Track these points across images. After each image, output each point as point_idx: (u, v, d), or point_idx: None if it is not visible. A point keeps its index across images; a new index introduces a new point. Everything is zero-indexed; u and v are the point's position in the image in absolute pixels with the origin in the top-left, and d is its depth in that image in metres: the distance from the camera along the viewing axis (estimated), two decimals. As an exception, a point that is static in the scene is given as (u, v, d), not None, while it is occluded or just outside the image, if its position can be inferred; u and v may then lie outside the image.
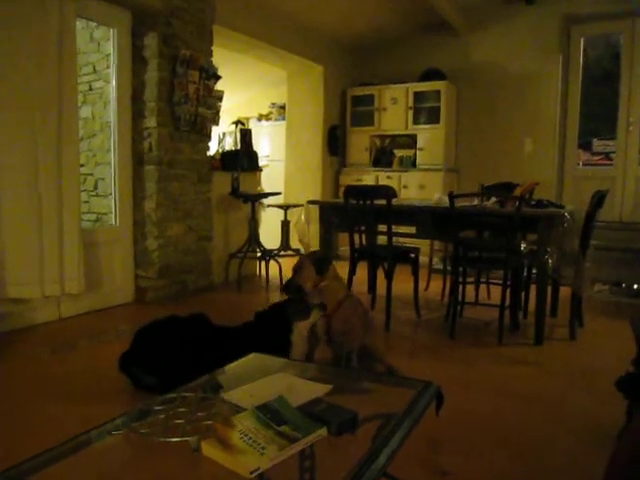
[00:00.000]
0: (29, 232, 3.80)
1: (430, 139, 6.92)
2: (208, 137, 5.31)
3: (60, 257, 3.94)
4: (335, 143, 7.43)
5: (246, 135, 5.93)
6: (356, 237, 4.39)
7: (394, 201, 4.25)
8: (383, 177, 7.03)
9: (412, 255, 4.44)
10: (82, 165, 5.03)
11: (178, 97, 4.87)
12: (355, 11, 6.54)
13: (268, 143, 8.33)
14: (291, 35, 6.57)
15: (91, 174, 5.16)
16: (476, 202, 4.18)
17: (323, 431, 1.26)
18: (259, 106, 8.55)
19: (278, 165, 7.87)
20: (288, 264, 6.02)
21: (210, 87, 5.21)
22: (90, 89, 5.12)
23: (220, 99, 5.40)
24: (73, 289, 4.02)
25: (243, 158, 5.60)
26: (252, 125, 8.40)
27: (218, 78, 5.28)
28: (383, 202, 4.07)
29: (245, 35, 5.90)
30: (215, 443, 1.18)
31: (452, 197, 3.90)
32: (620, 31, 6.38)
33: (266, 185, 7.88)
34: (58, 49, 3.87)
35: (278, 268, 5.63)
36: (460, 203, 4.09)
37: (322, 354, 3.07)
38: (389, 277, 4.23)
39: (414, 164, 7.04)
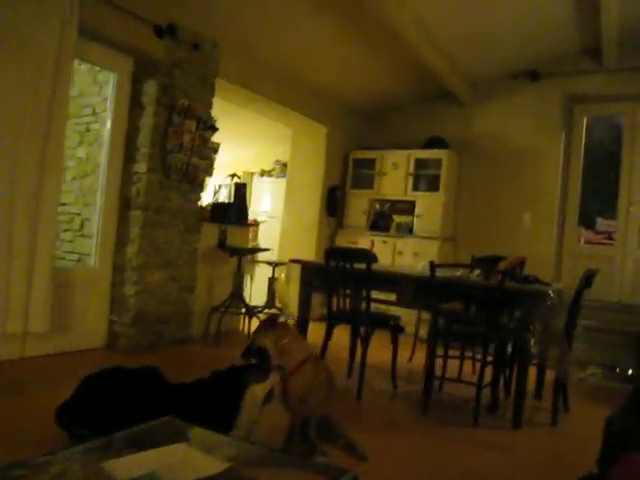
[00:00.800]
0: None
1: (429, 206, 6.84)
2: (200, 187, 5.27)
3: (27, 294, 3.82)
4: (334, 204, 7.37)
5: (240, 189, 5.88)
6: (338, 300, 4.23)
7: (376, 266, 4.11)
8: (379, 242, 6.91)
9: (392, 323, 4.27)
10: (66, 204, 5.01)
11: (171, 145, 4.85)
12: (368, 81, 6.61)
13: (269, 199, 8.30)
14: (297, 94, 6.61)
15: (78, 214, 5.10)
16: (459, 273, 4.03)
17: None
18: (265, 162, 8.59)
19: (277, 222, 7.82)
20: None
21: (206, 138, 5.19)
22: (88, 130, 5.13)
23: (215, 151, 5.37)
24: (37, 328, 3.88)
25: (233, 211, 5.52)
26: (255, 180, 8.42)
27: (215, 130, 5.28)
28: (363, 266, 3.94)
29: (250, 91, 5.93)
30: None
31: (433, 266, 3.76)
32: (622, 113, 6.35)
33: (264, 241, 7.83)
34: (52, 85, 3.86)
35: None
36: (444, 273, 3.96)
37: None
38: (364, 344, 4.05)
39: (411, 231, 6.93)
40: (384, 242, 6.93)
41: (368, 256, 3.99)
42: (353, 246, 5.02)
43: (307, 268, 4.49)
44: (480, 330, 3.77)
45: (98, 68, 4.91)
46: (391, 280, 4.11)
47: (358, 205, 7.35)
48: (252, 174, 8.43)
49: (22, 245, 3.79)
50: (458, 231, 7.07)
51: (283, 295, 4.54)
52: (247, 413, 2.59)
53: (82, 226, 5.08)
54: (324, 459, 2.68)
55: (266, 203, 8.28)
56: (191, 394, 2.76)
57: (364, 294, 4.03)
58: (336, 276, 4.11)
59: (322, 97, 7.01)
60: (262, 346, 2.82)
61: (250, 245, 6.83)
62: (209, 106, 5.24)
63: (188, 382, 2.97)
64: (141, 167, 4.74)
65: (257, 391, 2.63)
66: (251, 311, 5.60)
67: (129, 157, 4.80)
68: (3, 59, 3.62)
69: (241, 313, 5.60)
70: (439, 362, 4.10)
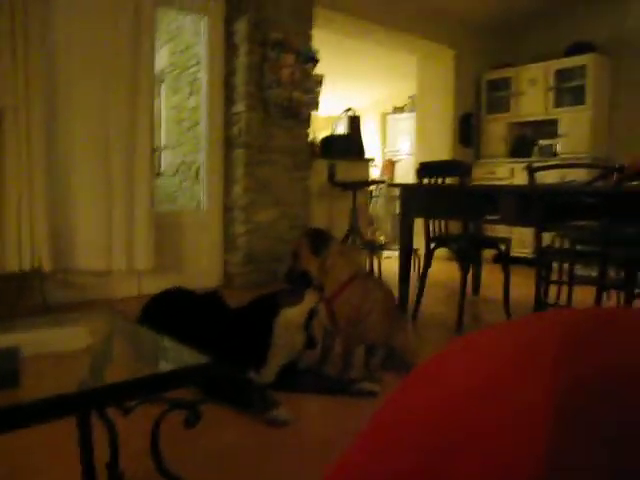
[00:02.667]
0: (99, 210, 3.92)
1: (574, 124, 5.96)
2: (306, 122, 5.11)
3: (128, 235, 4.00)
4: (468, 133, 6.77)
5: (354, 122, 5.62)
6: (435, 221, 3.85)
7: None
8: (519, 169, 6.21)
9: (500, 246, 3.78)
10: (184, 156, 5.18)
11: (269, 81, 4.74)
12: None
13: (405, 137, 7.90)
14: (416, 17, 6.10)
15: (194, 162, 5.26)
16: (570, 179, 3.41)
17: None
18: (399, 99, 8.17)
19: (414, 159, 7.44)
20: (392, 261, 5.68)
21: (307, 71, 5.00)
22: (195, 79, 5.23)
23: (319, 83, 5.16)
24: (140, 266, 4.07)
25: (343, 144, 5.29)
26: (390, 119, 8.06)
27: (316, 62, 5.06)
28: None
29: (363, 19, 5.60)
30: None
31: (532, 170, 3.21)
32: None
33: (403, 180, 7.51)
34: (135, 35, 3.96)
35: (378, 263, 5.22)
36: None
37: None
38: (464, 269, 3.62)
39: (555, 154, 6.12)
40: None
41: (460, 167, 3.55)
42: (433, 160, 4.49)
43: (405, 191, 4.13)
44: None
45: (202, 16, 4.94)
46: (491, 196, 3.62)
47: (495, 131, 6.68)
48: (386, 114, 8.09)
49: (120, 190, 3.98)
50: (614, 150, 6.07)
51: (374, 222, 4.28)
52: (281, 341, 2.39)
53: (197, 173, 5.23)
54: (371, 386, 2.42)
55: (402, 141, 7.88)
56: (229, 321, 2.63)
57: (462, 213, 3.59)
58: (431, 194, 3.72)
59: (444, 16, 6.38)
60: (304, 269, 2.62)
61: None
62: (308, 38, 5.03)
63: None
64: (240, 106, 4.71)
65: (292, 315, 2.42)
66: (371, 247, 5.37)
67: (229, 99, 4.79)
68: (84, 14, 3.76)
69: (361, 249, 5.38)
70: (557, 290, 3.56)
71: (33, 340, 1.21)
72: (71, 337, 1.26)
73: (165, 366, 1.29)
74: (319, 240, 2.60)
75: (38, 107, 3.59)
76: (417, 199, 3.93)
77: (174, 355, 1.29)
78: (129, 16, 3.93)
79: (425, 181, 3.71)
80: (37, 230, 3.64)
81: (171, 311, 2.69)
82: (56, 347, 1.20)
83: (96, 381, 1.20)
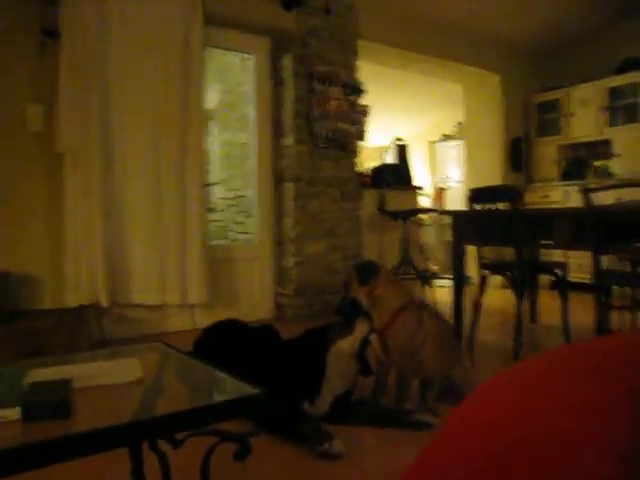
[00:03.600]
0: (153, 247, 4.00)
1: (630, 143, 5.77)
2: (352, 153, 5.13)
3: (182, 269, 4.07)
4: (519, 157, 6.65)
5: (402, 151, 5.61)
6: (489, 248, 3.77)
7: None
8: (573, 192, 6.04)
9: (556, 271, 3.66)
10: (237, 190, 5.25)
11: (316, 114, 4.80)
12: (540, 8, 5.82)
13: (454, 164, 7.83)
14: (458, 44, 6.10)
15: (245, 196, 5.33)
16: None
17: (10, 413, 0.97)
18: (447, 127, 8.13)
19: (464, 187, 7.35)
20: (445, 291, 5.58)
21: (353, 102, 5.05)
22: (244, 116, 5.33)
23: (366, 114, 5.20)
24: (195, 299, 4.12)
25: (391, 173, 5.28)
26: (438, 147, 8.02)
27: (361, 92, 5.10)
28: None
29: (403, 49, 5.64)
30: None
31: (587, 191, 3.11)
32: None
33: (454, 206, 7.42)
34: (185, 76, 4.08)
35: (431, 292, 5.14)
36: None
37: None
38: (519, 296, 3.51)
39: (610, 174, 5.93)
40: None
41: (512, 191, 3.47)
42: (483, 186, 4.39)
43: (457, 218, 4.07)
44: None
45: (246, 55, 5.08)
46: (544, 219, 3.52)
47: (546, 154, 6.54)
48: (434, 142, 8.05)
49: (173, 226, 4.06)
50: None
51: (426, 251, 4.23)
52: (335, 372, 2.37)
53: (248, 207, 5.30)
54: (427, 418, 2.35)
55: (451, 169, 7.81)
56: (282, 353, 2.61)
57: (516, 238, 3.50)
58: (483, 221, 3.65)
59: (489, 42, 6.35)
60: (355, 298, 2.59)
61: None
62: (353, 70, 5.09)
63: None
64: (288, 140, 4.79)
65: (344, 345, 2.39)
66: (423, 277, 5.30)
67: (277, 133, 4.88)
68: (137, 57, 3.92)
69: (412, 279, 5.32)
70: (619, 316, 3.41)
71: (85, 373, 1.22)
72: (123, 369, 1.27)
73: (216, 397, 1.28)
74: (367, 270, 2.58)
75: (96, 150, 3.73)
76: (469, 226, 3.86)
77: (226, 386, 1.28)
78: (179, 55, 4.06)
79: (477, 207, 3.65)
80: (95, 267, 3.75)
81: (223, 343, 2.71)
82: (108, 379, 1.20)
83: (147, 413, 1.20)
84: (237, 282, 4.69)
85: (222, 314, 4.45)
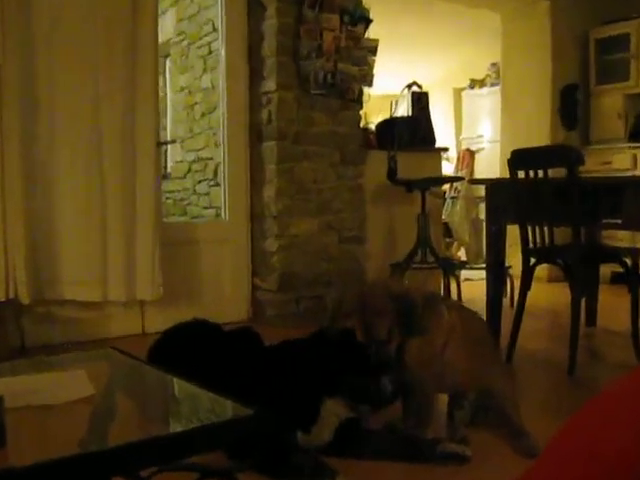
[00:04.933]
0: (90, 226, 3.96)
1: None
2: (356, 103, 5.11)
3: (128, 255, 4.05)
4: (572, 111, 6.67)
5: (420, 100, 5.60)
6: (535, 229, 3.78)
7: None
8: (644, 156, 6.08)
9: (624, 259, 3.67)
10: (199, 150, 5.24)
11: (306, 50, 4.76)
12: None
13: (487, 119, 7.84)
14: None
15: (211, 158, 5.32)
16: None
17: None
18: (476, 69, 8.12)
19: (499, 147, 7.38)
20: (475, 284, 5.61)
21: (356, 35, 5.02)
22: (210, 52, 5.31)
23: (373, 51, 5.17)
24: (146, 295, 4.11)
25: (407, 130, 5.26)
26: (465, 96, 8.02)
27: (368, 22, 5.08)
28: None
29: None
30: None
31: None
32: None
33: (483, 174, 7.45)
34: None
35: (457, 286, 5.17)
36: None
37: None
38: (577, 291, 3.53)
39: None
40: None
41: (569, 155, 3.48)
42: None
43: (493, 189, 4.08)
44: None
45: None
46: (611, 192, 3.52)
47: (609, 107, 6.57)
48: (461, 90, 8.06)
49: (117, 198, 4.01)
50: None
51: (458, 233, 4.23)
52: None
53: (216, 173, 5.29)
54: (459, 449, 2.36)
55: (484, 125, 7.83)
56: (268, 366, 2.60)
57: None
58: (529, 193, 3.65)
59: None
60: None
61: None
62: (356, -8, 5.05)
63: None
64: (269, 84, 4.76)
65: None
66: (446, 266, 5.32)
67: (255, 74, 4.84)
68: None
69: (432, 268, 5.33)
70: None
71: (18, 388, 1.21)
72: (67, 384, 1.26)
73: (194, 421, 1.27)
74: (420, 316, 2.54)
75: (12, 94, 3.67)
76: (509, 199, 3.87)
77: (206, 406, 1.28)
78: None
79: (520, 175, 3.66)
80: (12, 251, 3.70)
81: (189, 353, 2.69)
82: (48, 397, 1.20)
83: (100, 442, 1.19)
84: (201, 272, 4.68)
85: (181, 314, 4.41)
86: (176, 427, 1.30)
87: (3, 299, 3.74)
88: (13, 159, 3.68)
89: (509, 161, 3.71)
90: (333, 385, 2.36)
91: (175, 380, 1.40)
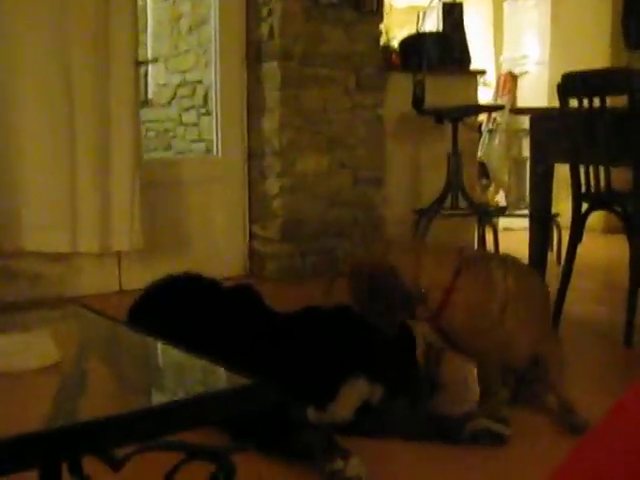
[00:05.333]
0: (57, 162, 4.00)
1: None
2: (375, 14, 5.07)
3: (102, 198, 4.07)
4: (638, 25, 6.57)
5: (452, 12, 5.55)
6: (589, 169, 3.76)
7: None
8: None
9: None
10: (184, 72, 5.22)
11: (315, -53, 4.72)
12: None
13: (533, 36, 7.76)
14: None
15: (200, 81, 5.30)
16: None
17: None
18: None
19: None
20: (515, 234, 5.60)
21: None
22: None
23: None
24: (121, 245, 4.15)
25: (437, 49, 5.23)
26: (507, 7, 7.94)
27: None
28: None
29: None
30: None
31: None
32: None
33: (529, 103, 7.41)
34: None
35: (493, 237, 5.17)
36: None
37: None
38: (637, 244, 3.53)
39: None
40: None
41: (632, 79, 3.44)
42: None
43: (540, 121, 4.05)
44: None
45: None
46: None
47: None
48: (501, 0, 7.97)
49: (88, 130, 4.06)
50: None
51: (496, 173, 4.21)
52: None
53: (206, 99, 5.27)
54: (497, 428, 2.39)
55: (529, 42, 7.75)
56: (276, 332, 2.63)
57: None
58: (583, 126, 3.63)
59: None
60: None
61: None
62: None
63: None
64: (271, -9, 4.72)
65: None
66: (482, 213, 5.32)
67: (253, -22, 4.81)
68: None
69: (464, 215, 5.34)
70: None
71: None
72: (29, 348, 1.28)
73: (180, 391, 1.29)
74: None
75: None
76: (559, 134, 3.84)
77: (192, 376, 1.29)
78: None
79: (572, 104, 3.63)
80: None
81: (177, 312, 2.72)
82: (8, 364, 1.21)
83: (70, 415, 1.21)
84: (189, 218, 4.71)
85: (166, 269, 4.46)
86: (159, 399, 1.30)
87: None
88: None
89: (559, 87, 3.69)
90: (360, 366, 2.39)
91: (159, 344, 1.41)
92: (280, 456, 2.18)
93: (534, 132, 4.04)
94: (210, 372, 1.28)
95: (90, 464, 1.36)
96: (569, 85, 3.66)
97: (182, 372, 1.35)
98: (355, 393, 2.40)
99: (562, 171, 3.90)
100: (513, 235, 5.80)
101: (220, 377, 1.26)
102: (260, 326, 2.62)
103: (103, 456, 1.24)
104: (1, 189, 3.92)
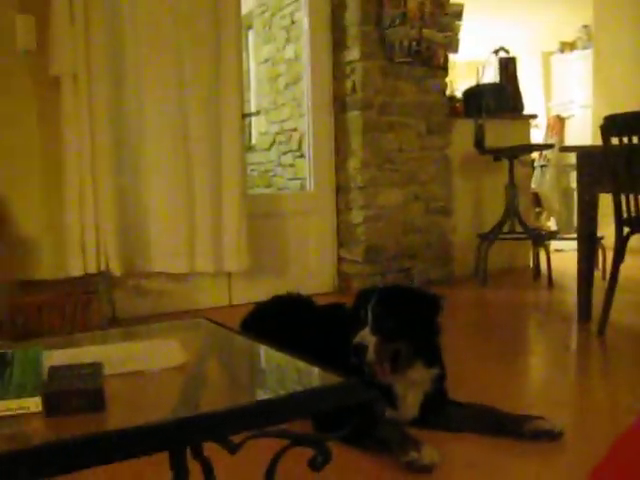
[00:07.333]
0: (177, 197, 4.06)
1: None
2: (441, 70, 5.03)
3: (216, 227, 4.13)
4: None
5: (508, 66, 5.47)
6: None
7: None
8: None
9: None
10: (283, 121, 5.28)
11: (390, 17, 4.71)
12: None
13: (578, 84, 7.61)
14: None
15: (295, 129, 5.34)
16: None
17: (30, 403, 1.01)
18: (565, 32, 7.87)
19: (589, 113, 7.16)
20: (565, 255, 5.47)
21: (441, 0, 4.92)
22: (292, 22, 5.31)
23: (459, 16, 5.07)
24: (231, 266, 4.18)
25: (494, 97, 5.16)
26: (554, 60, 7.80)
27: (454, -14, 4.98)
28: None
29: None
30: None
31: None
32: None
33: (575, 142, 7.25)
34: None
35: (546, 258, 5.05)
36: None
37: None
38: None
39: None
40: None
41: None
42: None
43: (586, 157, 3.95)
44: None
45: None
46: None
47: None
48: (548, 54, 7.83)
49: (204, 170, 4.11)
50: None
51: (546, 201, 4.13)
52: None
53: (300, 144, 5.31)
54: (551, 425, 2.33)
55: (574, 90, 7.59)
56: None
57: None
58: (625, 160, 3.53)
59: None
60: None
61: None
62: (440, -46, 4.95)
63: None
64: (353, 53, 4.73)
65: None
66: (536, 236, 5.21)
67: (338, 44, 4.83)
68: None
69: (520, 239, 5.23)
70: None
71: (115, 356, 1.26)
72: (161, 352, 1.30)
73: (283, 389, 1.29)
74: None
75: (101, 74, 3.76)
76: (603, 167, 3.74)
77: (295, 376, 1.30)
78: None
79: (614, 141, 3.54)
80: (103, 225, 3.82)
81: (283, 327, 2.73)
82: (143, 364, 1.24)
83: (193, 408, 1.22)
84: (287, 244, 4.73)
85: (267, 286, 4.51)
86: (267, 394, 1.30)
87: (95, 271, 3.87)
88: (103, 138, 3.78)
89: (602, 127, 3.59)
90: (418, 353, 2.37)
91: (267, 349, 1.42)
92: (363, 448, 2.17)
93: (581, 166, 3.94)
94: (310, 372, 1.29)
95: (210, 449, 1.39)
96: (610, 125, 3.57)
97: (287, 372, 1.36)
98: (420, 390, 2.37)
99: (606, 199, 3.80)
100: (564, 255, 5.67)
101: (318, 376, 1.27)
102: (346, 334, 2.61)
103: (222, 442, 1.25)
104: (136, 223, 4.01)
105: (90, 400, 1.01)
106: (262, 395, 1.30)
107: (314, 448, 1.18)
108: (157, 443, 1.06)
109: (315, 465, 1.17)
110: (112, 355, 1.26)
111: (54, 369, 1.10)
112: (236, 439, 1.26)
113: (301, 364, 1.27)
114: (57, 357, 1.22)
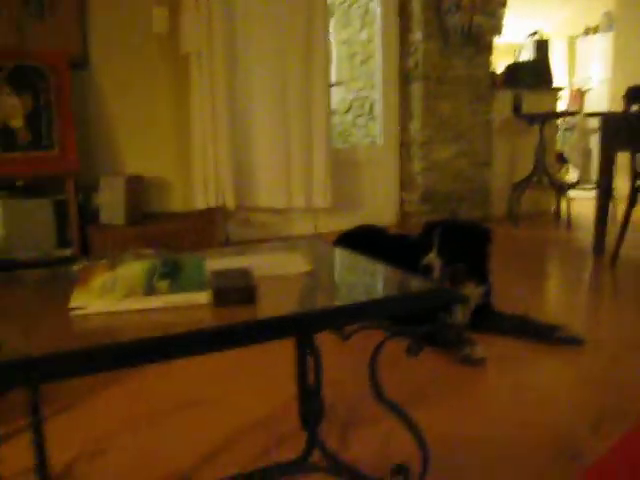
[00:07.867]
0: (278, 150, 4.06)
1: None
2: (487, 50, 4.83)
3: (307, 173, 4.12)
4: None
5: (541, 47, 5.21)
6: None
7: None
8: None
9: None
10: (359, 90, 5.18)
11: (447, 5, 4.52)
12: None
13: (598, 62, 7.20)
14: None
15: (367, 97, 5.23)
16: None
17: (201, 297, 1.03)
18: (590, 18, 7.43)
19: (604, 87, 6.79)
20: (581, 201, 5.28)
21: (490, -9, 4.69)
22: (366, 12, 5.13)
23: (503, 4, 4.82)
24: (319, 204, 4.19)
25: (529, 72, 4.94)
26: (579, 43, 7.39)
27: (500, -21, 4.72)
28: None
29: None
30: (81, 286, 1.07)
31: None
32: None
33: (594, 111, 6.92)
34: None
35: (566, 204, 4.88)
36: None
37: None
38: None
39: None
40: None
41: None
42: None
43: (609, 121, 3.77)
44: None
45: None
46: None
47: None
48: (574, 37, 7.41)
49: (298, 128, 4.09)
50: None
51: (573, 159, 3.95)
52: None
53: (371, 109, 5.20)
54: (575, 334, 2.29)
55: (594, 67, 7.20)
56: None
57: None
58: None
59: None
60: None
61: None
62: (494, -48, 4.70)
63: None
64: (416, 35, 4.57)
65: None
66: (559, 187, 5.04)
67: (404, 28, 4.67)
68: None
69: (546, 188, 5.07)
70: None
71: (259, 264, 1.27)
72: (292, 262, 1.31)
73: (385, 291, 1.29)
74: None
75: (220, 52, 3.74)
76: (623, 130, 3.57)
77: (392, 280, 1.29)
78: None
79: (634, 108, 3.37)
80: (222, 171, 3.86)
81: (366, 248, 2.73)
82: (281, 270, 1.26)
83: (321, 303, 1.23)
84: (360, 187, 4.70)
85: (345, 219, 4.53)
86: (375, 295, 1.29)
87: (214, 206, 3.93)
88: (221, 104, 3.79)
89: (625, 95, 3.43)
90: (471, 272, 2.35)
91: (369, 262, 1.41)
92: (431, 345, 2.18)
93: (604, 129, 3.77)
94: (404, 278, 1.27)
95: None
96: (632, 94, 3.40)
97: (385, 278, 1.35)
98: (472, 299, 2.36)
99: (619, 158, 3.65)
100: (580, 202, 5.48)
101: (412, 282, 1.26)
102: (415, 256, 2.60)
103: (337, 331, 1.27)
104: (246, 170, 4.03)
105: (245, 295, 1.03)
106: (371, 295, 1.29)
107: (411, 339, 1.19)
108: (285, 331, 1.08)
109: (411, 352, 1.17)
110: (257, 263, 1.27)
111: (216, 272, 1.12)
112: (348, 330, 1.27)
113: (398, 273, 1.27)
114: (214, 264, 1.24)
